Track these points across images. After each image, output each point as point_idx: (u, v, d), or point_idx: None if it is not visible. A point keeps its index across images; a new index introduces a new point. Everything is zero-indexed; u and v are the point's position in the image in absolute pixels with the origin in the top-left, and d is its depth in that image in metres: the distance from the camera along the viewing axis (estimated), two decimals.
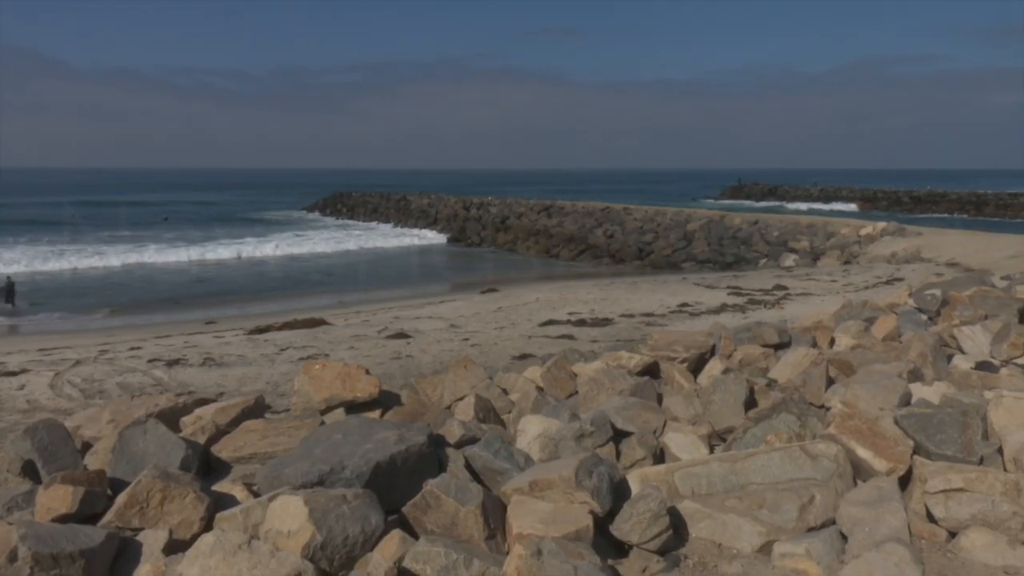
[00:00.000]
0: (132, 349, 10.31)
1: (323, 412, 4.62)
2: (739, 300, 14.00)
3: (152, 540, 3.10)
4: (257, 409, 4.69)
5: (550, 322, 11.79)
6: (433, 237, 38.92)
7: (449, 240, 37.74)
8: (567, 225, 34.85)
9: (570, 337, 10.37)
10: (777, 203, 63.29)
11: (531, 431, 4.16)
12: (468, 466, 3.71)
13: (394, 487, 3.41)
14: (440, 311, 13.82)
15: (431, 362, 8.89)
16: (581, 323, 11.66)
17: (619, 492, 3.29)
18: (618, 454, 4.00)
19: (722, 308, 12.98)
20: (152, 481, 3.21)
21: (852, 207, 59.44)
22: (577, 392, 5.24)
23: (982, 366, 5.07)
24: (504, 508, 3.26)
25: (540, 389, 5.25)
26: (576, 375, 5.47)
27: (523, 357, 8.67)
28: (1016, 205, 55.08)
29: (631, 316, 12.32)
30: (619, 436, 4.11)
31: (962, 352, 5.54)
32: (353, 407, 4.68)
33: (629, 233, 31.63)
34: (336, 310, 15.92)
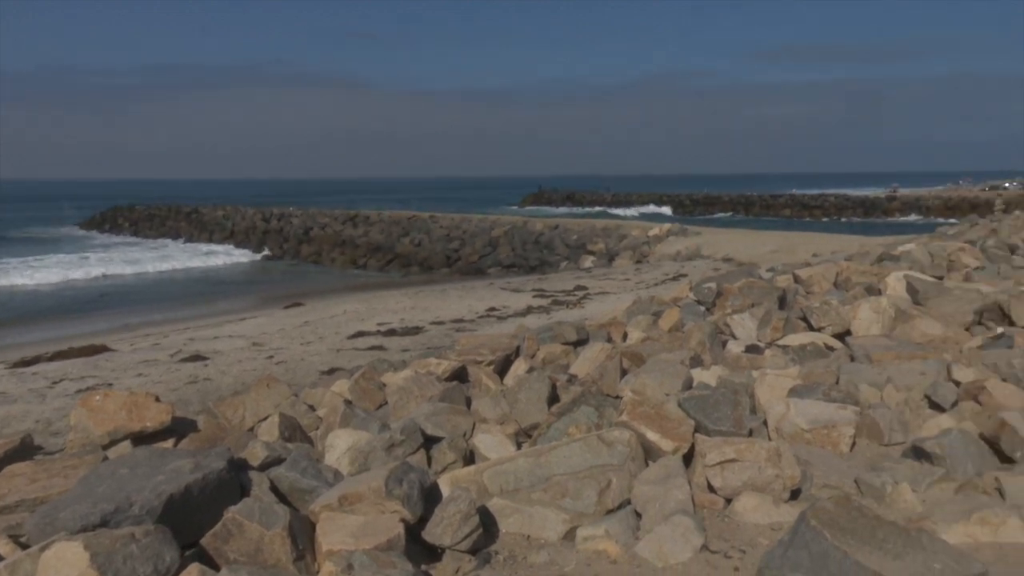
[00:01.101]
0: None
1: (106, 447, 4.22)
2: (543, 302, 14.62)
3: None
4: (24, 451, 4.18)
5: (359, 334, 11.58)
6: (230, 251, 36.70)
7: (248, 254, 35.82)
8: (373, 235, 34.42)
9: (380, 348, 10.26)
10: (601, 209, 66.58)
11: (340, 445, 4.08)
12: (274, 488, 3.55)
13: (192, 519, 3.18)
14: (240, 329, 13.08)
15: (232, 383, 8.38)
16: (391, 333, 11.57)
17: (431, 497, 3.31)
18: (429, 460, 4.03)
19: (528, 310, 13.47)
20: None
21: (666, 211, 65.05)
22: (387, 402, 5.20)
23: (750, 349, 5.71)
24: (314, 527, 3.16)
25: (348, 402, 5.14)
26: (385, 385, 5.43)
27: (332, 371, 8.44)
28: (776, 205, 65.77)
29: (441, 323, 12.43)
30: (430, 442, 4.14)
31: (734, 337, 6.19)
32: (142, 438, 4.32)
33: (436, 241, 31.88)
34: (120, 334, 14.49)
